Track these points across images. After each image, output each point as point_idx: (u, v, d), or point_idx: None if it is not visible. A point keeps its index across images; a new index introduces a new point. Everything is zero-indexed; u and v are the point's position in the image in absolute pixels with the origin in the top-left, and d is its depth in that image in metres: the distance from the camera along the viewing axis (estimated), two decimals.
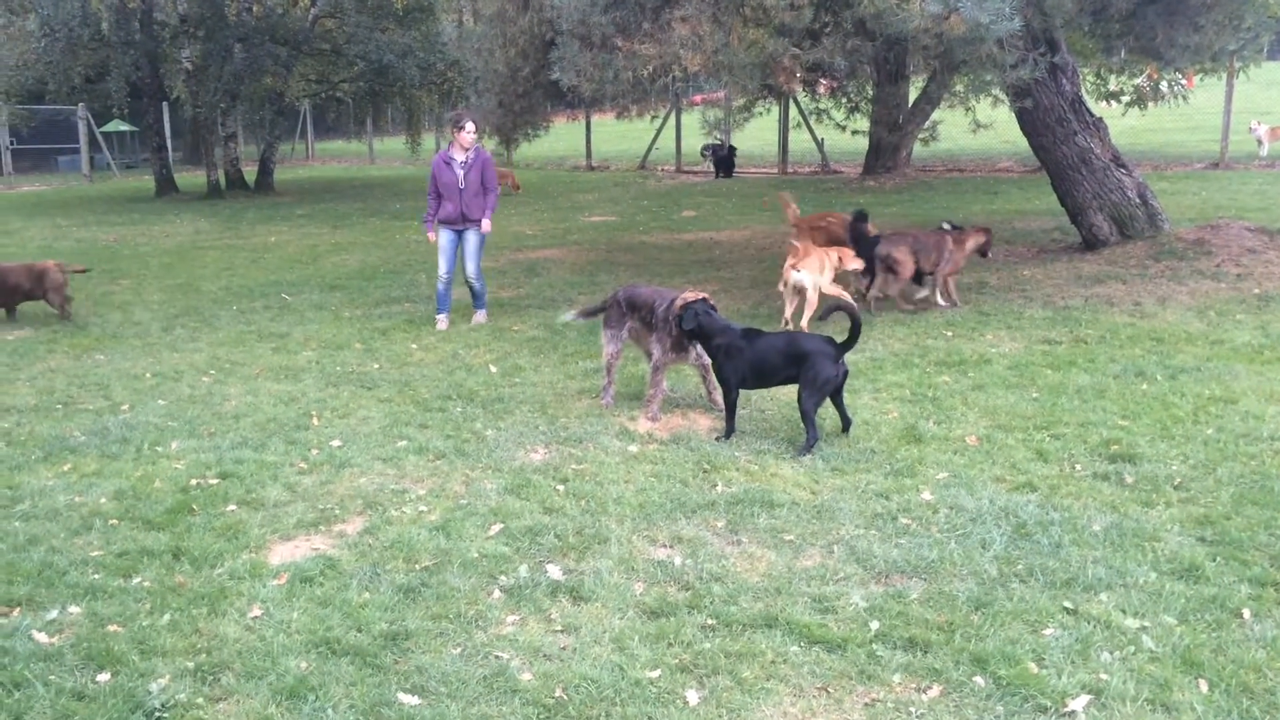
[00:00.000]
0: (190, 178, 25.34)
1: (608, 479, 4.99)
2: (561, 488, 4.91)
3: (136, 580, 4.11)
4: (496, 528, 4.48)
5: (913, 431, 5.58)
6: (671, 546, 4.26)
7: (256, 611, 3.82)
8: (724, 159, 20.93)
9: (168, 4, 21.16)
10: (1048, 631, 3.51)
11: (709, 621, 3.62)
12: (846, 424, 5.58)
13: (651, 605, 3.75)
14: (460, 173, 8.47)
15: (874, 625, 3.58)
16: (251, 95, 21.94)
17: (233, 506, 4.85)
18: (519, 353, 7.62)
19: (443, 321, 8.69)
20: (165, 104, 24.51)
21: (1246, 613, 3.60)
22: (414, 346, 7.97)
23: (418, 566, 4.14)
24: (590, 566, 4.07)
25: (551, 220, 15.94)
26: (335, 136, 37.64)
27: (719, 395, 5.90)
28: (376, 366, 7.41)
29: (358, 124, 34.10)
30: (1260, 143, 18.52)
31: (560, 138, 24.57)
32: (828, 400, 5.50)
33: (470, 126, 8.50)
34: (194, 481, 5.17)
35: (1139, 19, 8.82)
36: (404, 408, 6.34)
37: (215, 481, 5.17)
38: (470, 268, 8.69)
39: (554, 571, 4.04)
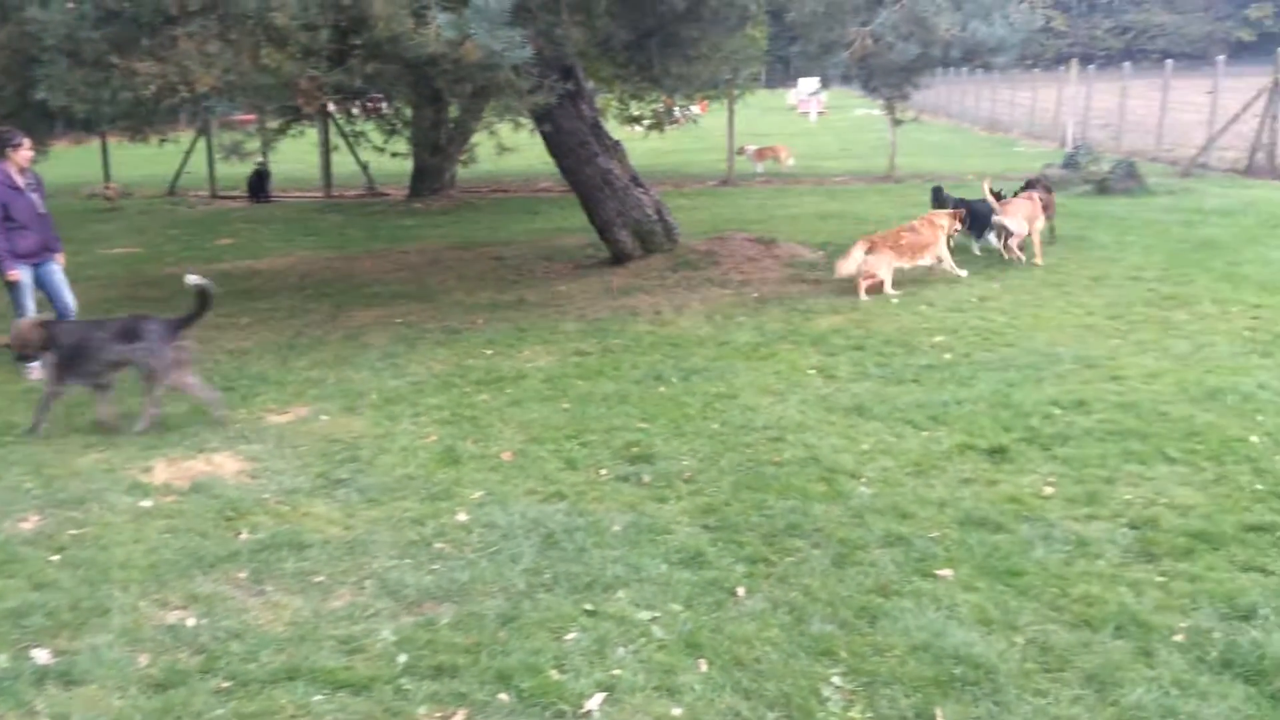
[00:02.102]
0: None
1: (113, 541, 4.53)
2: (56, 558, 4.38)
3: None
4: None
5: (451, 453, 5.62)
6: (186, 608, 3.95)
7: None
8: (255, 183, 19.95)
9: None
10: (569, 636, 3.67)
11: (223, 684, 3.39)
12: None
13: (158, 677, 3.44)
14: (34, 197, 7.54)
15: (402, 658, 3.54)
16: None
17: None
18: (11, 408, 6.73)
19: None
20: None
21: (741, 590, 3.98)
22: None
23: None
24: (87, 644, 3.66)
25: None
26: None
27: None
28: None
29: None
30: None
31: (75, 163, 22.22)
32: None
33: (28, 142, 7.58)
34: None
35: (640, 50, 9.57)
36: None
37: None
38: (71, 301, 7.80)
39: (41, 656, 3.58)
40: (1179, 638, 3.51)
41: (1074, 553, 4.16)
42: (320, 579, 4.17)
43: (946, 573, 4.04)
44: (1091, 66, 27.06)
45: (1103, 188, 15.16)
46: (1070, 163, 16.58)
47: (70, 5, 7.23)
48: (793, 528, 4.51)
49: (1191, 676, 3.29)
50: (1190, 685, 3.25)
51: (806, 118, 38.50)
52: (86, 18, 7.75)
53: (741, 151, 20.83)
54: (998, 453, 5.27)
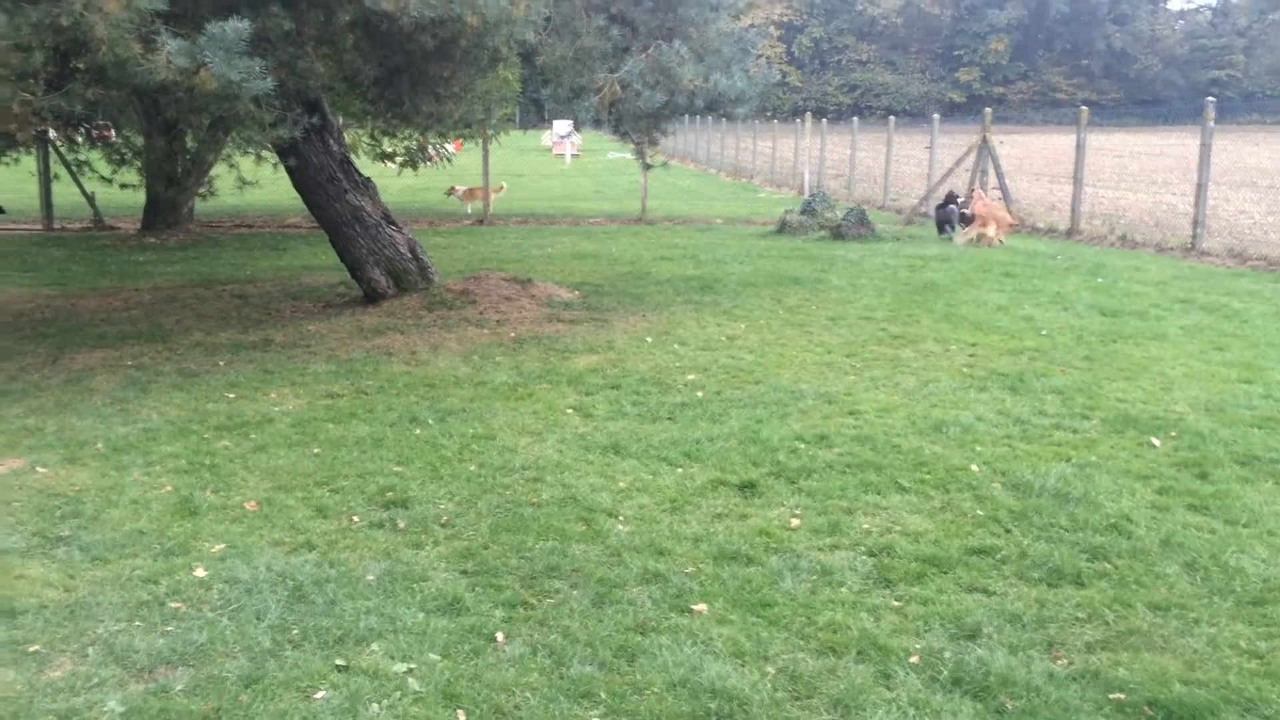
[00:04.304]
0: None
1: None
2: None
3: None
4: None
5: (188, 504, 5.27)
6: None
7: None
8: None
9: None
10: (319, 695, 3.49)
11: None
12: None
13: None
14: None
15: None
16: None
17: None
18: None
19: None
20: None
21: (500, 636, 3.92)
22: None
23: None
24: None
25: None
26: None
27: None
28: None
29: None
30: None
31: None
32: None
33: None
34: None
35: (390, 86, 9.42)
36: None
37: None
38: None
39: None
40: (914, 659, 3.74)
41: (819, 582, 4.37)
42: (36, 648, 3.79)
43: (701, 607, 4.14)
44: (824, 120, 28.97)
45: (837, 233, 16.19)
46: (807, 209, 17.61)
47: None
48: (552, 569, 4.50)
49: (927, 696, 3.51)
50: (926, 705, 3.46)
51: (561, 160, 39.07)
52: None
53: (451, 192, 20.84)
54: (748, 487, 5.47)
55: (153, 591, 4.27)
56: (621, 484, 5.55)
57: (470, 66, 9.70)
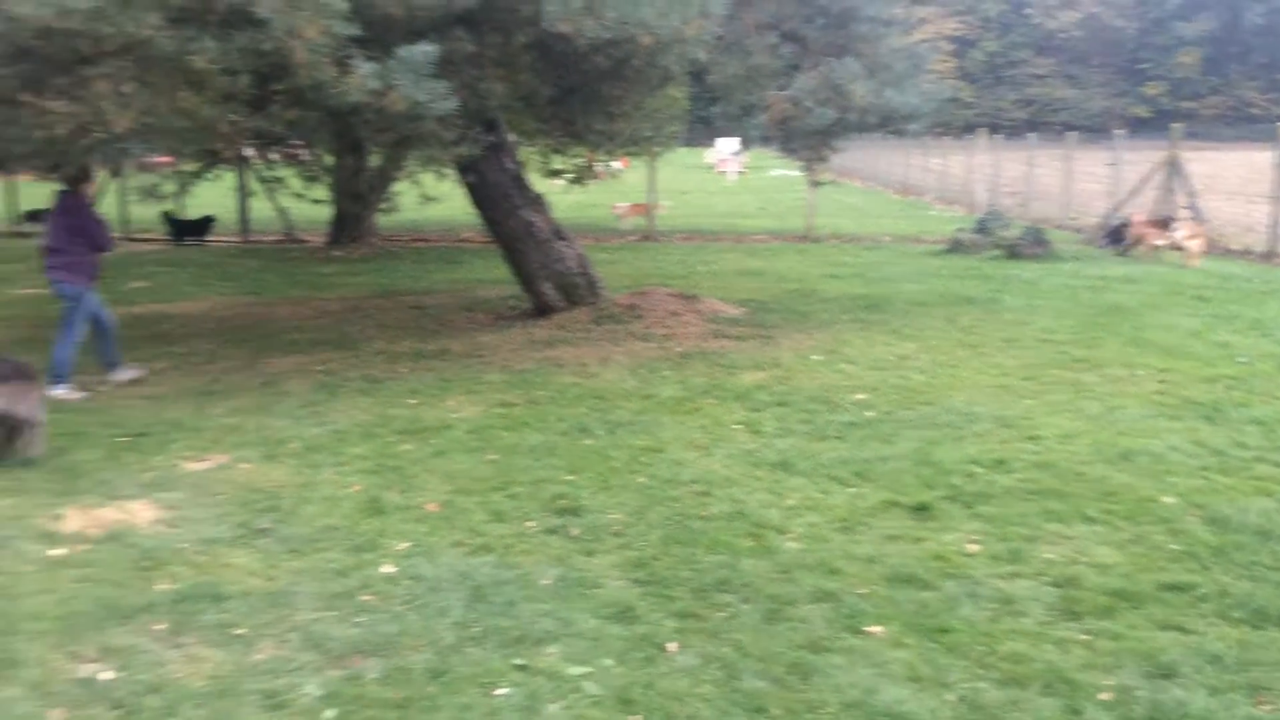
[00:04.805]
0: None
1: (22, 592, 4.34)
2: None
3: None
4: None
5: (375, 503, 5.52)
6: (100, 660, 3.79)
7: None
8: (188, 226, 19.87)
9: None
10: (500, 691, 3.61)
11: None
12: None
13: None
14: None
15: (329, 714, 3.45)
16: None
17: None
18: None
19: None
20: None
21: (672, 646, 3.97)
22: None
23: None
24: None
25: None
26: None
27: None
28: None
29: None
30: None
31: None
32: None
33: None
34: None
35: (563, 105, 9.67)
36: None
37: None
38: None
39: None
40: (1105, 696, 3.59)
41: (1000, 610, 4.24)
42: (241, 631, 4.05)
43: (876, 629, 4.08)
44: (999, 136, 28.12)
45: (1012, 252, 15.69)
46: (981, 228, 17.14)
47: None
48: (722, 583, 4.52)
49: None
50: None
51: (724, 177, 39.18)
52: None
53: (616, 209, 21.15)
54: (922, 510, 5.37)
55: (345, 584, 4.50)
56: (790, 501, 5.53)
57: (642, 85, 9.87)
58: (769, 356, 9.01)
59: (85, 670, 3.72)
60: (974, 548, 4.88)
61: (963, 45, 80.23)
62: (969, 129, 33.72)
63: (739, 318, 10.82)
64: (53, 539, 4.96)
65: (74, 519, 5.24)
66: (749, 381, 8.15)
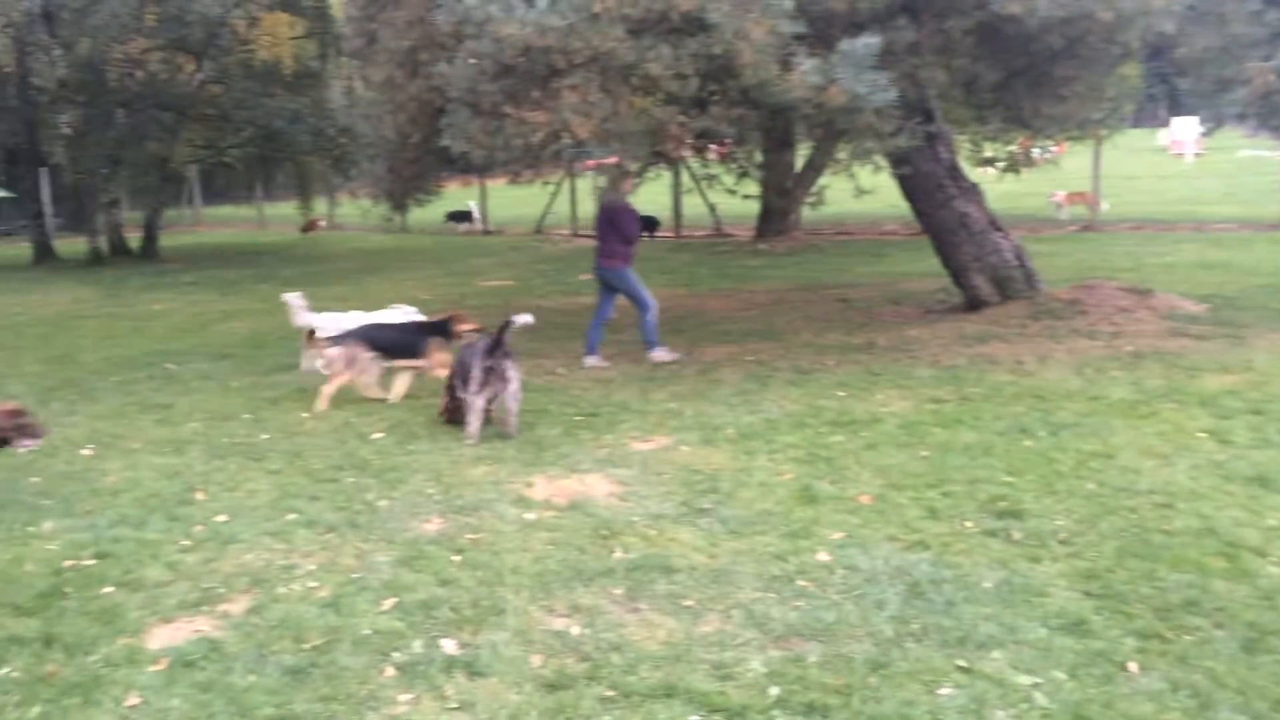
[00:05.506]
0: (72, 245, 24.47)
1: (504, 548, 4.91)
2: (457, 558, 4.80)
3: (4, 670, 3.87)
4: (390, 602, 4.35)
5: (808, 492, 5.63)
6: (569, 616, 4.20)
7: (134, 700, 3.63)
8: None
9: (45, 69, 20.58)
10: (943, 691, 3.54)
11: (608, 693, 3.57)
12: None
13: (550, 678, 3.67)
14: None
15: (774, 691, 3.56)
16: (135, 161, 21.45)
17: (109, 588, 4.63)
18: (413, 420, 7.49)
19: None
20: (43, 169, 23.69)
21: (1133, 665, 3.68)
22: (305, 416, 7.77)
23: (306, 646, 3.99)
24: (487, 640, 3.97)
25: (446, 285, 15.83)
26: (224, 201, 36.87)
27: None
28: (266, 437, 7.20)
29: (247, 189, 33.53)
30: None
31: (454, 202, 24.48)
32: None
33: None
34: (68, 563, 4.93)
35: (1008, 90, 9.25)
36: (294, 479, 6.16)
37: (91, 562, 4.93)
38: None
39: (449, 646, 3.93)
40: None
41: None
42: (689, 603, 4.29)
43: None
44: None
45: None
46: None
47: (473, 61, 7.99)
48: (1190, 604, 4.12)
49: None
50: None
51: (1181, 159, 35.56)
52: (486, 71, 8.58)
53: (1053, 197, 19.82)
54: None
55: (783, 568, 4.63)
56: (1271, 521, 4.92)
57: (1097, 64, 9.22)
58: (1239, 358, 8.06)
59: (558, 624, 4.13)
60: None
61: None
62: None
63: (1201, 315, 9.78)
64: (526, 504, 5.56)
65: (541, 487, 5.84)
66: (1215, 385, 7.35)
